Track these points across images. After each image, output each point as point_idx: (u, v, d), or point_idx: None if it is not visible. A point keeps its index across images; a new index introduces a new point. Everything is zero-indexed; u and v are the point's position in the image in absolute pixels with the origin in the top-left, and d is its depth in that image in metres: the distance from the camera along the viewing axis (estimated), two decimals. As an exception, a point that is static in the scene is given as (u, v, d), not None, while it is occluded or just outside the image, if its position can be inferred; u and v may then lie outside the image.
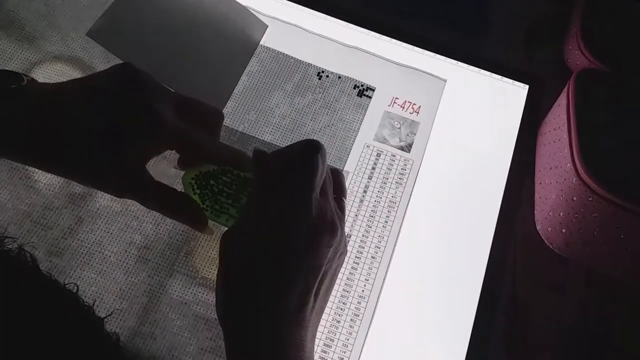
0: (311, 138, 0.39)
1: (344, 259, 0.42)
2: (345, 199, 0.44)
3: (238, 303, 0.36)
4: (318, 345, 0.46)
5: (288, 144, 0.40)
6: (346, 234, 0.50)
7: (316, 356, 0.45)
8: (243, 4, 0.59)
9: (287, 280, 0.36)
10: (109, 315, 0.44)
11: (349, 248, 0.50)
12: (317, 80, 0.57)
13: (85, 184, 0.40)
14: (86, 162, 0.37)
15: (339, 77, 0.57)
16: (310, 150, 0.37)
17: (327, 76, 0.57)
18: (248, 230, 0.37)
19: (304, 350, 0.36)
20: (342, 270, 0.49)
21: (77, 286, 0.36)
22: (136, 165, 0.39)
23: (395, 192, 0.52)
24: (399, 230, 0.51)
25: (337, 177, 0.44)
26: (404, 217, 0.51)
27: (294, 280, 0.36)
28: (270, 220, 0.36)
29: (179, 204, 0.41)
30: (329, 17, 0.61)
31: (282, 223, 0.36)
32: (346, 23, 0.61)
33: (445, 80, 0.58)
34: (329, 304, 0.47)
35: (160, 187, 0.40)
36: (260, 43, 0.58)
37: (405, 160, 0.54)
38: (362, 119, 0.56)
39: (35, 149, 0.36)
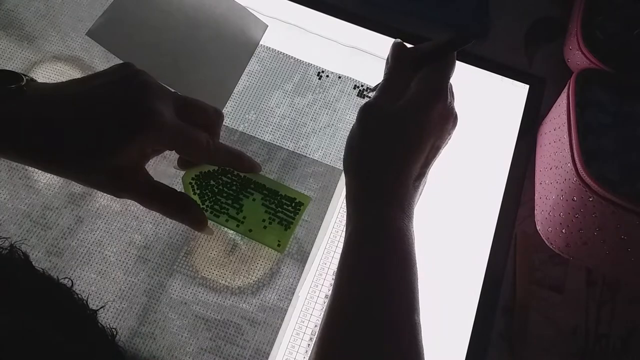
0: (454, 33, 0.48)
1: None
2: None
3: (370, 160, 0.41)
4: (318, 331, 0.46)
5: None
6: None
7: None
8: (243, 3, 0.59)
9: (415, 151, 0.41)
10: (102, 307, 0.44)
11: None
12: (317, 80, 0.57)
13: (85, 184, 0.40)
14: (85, 162, 0.37)
15: (339, 77, 0.57)
16: (449, 47, 0.43)
17: (327, 76, 0.57)
18: (391, 101, 0.43)
19: (412, 213, 0.41)
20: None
21: (72, 281, 0.36)
22: (136, 165, 0.39)
23: (395, 192, 0.52)
24: (399, 230, 0.51)
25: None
26: (404, 217, 0.51)
27: (420, 152, 0.41)
28: (412, 98, 0.42)
29: (179, 204, 0.41)
30: (329, 17, 0.61)
31: (421, 102, 0.42)
32: (346, 23, 0.60)
33: (445, 80, 0.58)
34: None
35: (159, 187, 0.40)
36: (260, 43, 0.58)
37: (405, 160, 0.54)
38: (362, 119, 0.55)
39: (34, 149, 0.36)
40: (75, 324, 0.33)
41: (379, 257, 0.38)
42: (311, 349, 0.46)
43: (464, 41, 0.44)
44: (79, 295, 0.35)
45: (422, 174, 0.42)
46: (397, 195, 0.40)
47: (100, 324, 0.36)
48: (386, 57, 0.47)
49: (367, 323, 0.36)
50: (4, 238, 0.35)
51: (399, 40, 0.47)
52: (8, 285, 0.31)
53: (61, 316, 0.32)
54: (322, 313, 0.47)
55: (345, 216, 0.50)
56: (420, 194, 0.44)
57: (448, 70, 0.43)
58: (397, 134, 0.41)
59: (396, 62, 0.45)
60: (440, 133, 0.43)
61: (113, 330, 0.36)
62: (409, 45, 0.47)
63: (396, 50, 0.46)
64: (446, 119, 0.43)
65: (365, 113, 0.43)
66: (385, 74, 0.46)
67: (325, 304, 0.47)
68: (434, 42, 0.45)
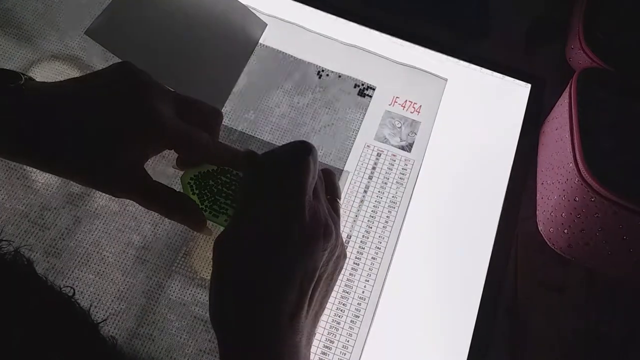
0: (301, 140, 0.38)
1: (343, 262, 0.42)
2: (340, 199, 0.43)
3: (231, 308, 0.35)
4: (318, 347, 0.46)
5: (280, 145, 0.40)
6: (346, 234, 0.50)
7: (316, 357, 0.45)
8: (242, 2, 0.58)
9: (280, 286, 0.35)
10: (104, 320, 0.43)
11: (349, 249, 0.49)
12: (317, 79, 0.57)
13: (83, 184, 0.39)
14: (84, 161, 0.37)
15: (339, 76, 0.57)
16: (300, 152, 0.37)
17: (327, 75, 0.57)
18: (240, 234, 0.36)
19: (298, 357, 0.35)
20: (342, 271, 0.48)
21: (74, 290, 0.35)
22: (134, 165, 0.39)
23: (396, 192, 0.52)
24: (400, 230, 0.50)
25: (329, 178, 0.43)
26: (404, 217, 0.51)
27: (287, 285, 0.35)
28: (262, 224, 0.36)
29: (178, 204, 0.41)
30: (329, 16, 0.60)
31: (275, 227, 0.35)
32: (346, 22, 0.60)
33: (446, 80, 0.58)
34: (328, 305, 0.47)
35: (158, 187, 0.40)
36: (260, 42, 0.58)
37: (406, 160, 0.54)
38: (363, 119, 0.55)
39: (32, 148, 0.36)
40: (76, 334, 0.33)
41: None
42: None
43: (307, 150, 0.37)
44: (81, 305, 0.35)
45: (300, 306, 0.35)
46: (270, 349, 0.34)
47: (102, 335, 0.35)
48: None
49: None
50: (7, 241, 0.34)
51: (248, 150, 0.40)
52: (10, 295, 0.31)
53: (62, 329, 0.32)
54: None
55: (345, 216, 0.50)
56: (318, 320, 0.39)
57: (300, 181, 0.36)
58: (255, 272, 0.35)
59: (249, 178, 0.39)
60: (309, 257, 0.36)
61: (114, 340, 0.36)
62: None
63: (247, 160, 0.40)
64: (311, 239, 0.36)
65: (217, 251, 0.36)
66: (239, 194, 0.40)
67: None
68: (284, 147, 0.38)
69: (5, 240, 0.34)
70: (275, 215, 0.36)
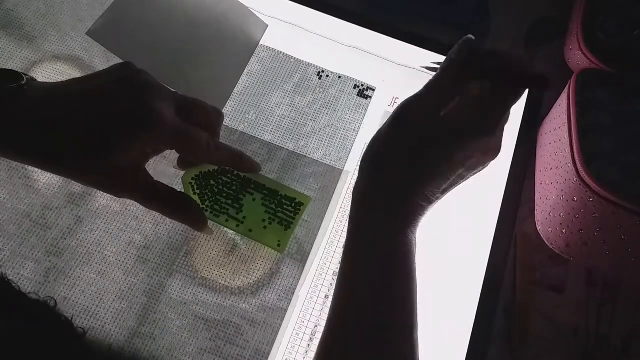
0: (540, 74, 0.40)
1: None
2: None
3: (394, 163, 0.38)
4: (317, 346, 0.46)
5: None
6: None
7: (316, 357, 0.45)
8: (243, 3, 0.59)
9: (443, 176, 0.38)
10: (85, 332, 0.43)
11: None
12: (317, 80, 0.57)
13: (85, 184, 0.40)
14: (86, 161, 0.37)
15: (339, 77, 0.57)
16: (539, 84, 0.39)
17: (327, 76, 0.57)
18: (432, 107, 0.39)
19: (417, 225, 0.39)
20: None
21: (55, 300, 0.36)
22: (136, 165, 0.39)
23: (396, 192, 0.52)
24: (399, 230, 0.51)
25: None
26: (404, 217, 0.51)
27: (446, 178, 0.38)
28: (464, 116, 0.38)
29: (179, 204, 0.41)
30: (329, 17, 0.61)
31: (474, 127, 0.38)
32: (346, 23, 0.60)
33: (445, 80, 0.58)
34: (329, 305, 0.47)
35: (160, 187, 0.40)
36: (260, 43, 0.58)
37: (405, 160, 0.54)
38: (363, 119, 0.55)
39: (34, 148, 0.36)
40: (61, 347, 0.33)
41: (381, 269, 0.37)
42: (311, 349, 0.46)
43: (545, 86, 0.39)
44: (65, 316, 0.35)
45: (438, 198, 0.40)
46: (405, 209, 0.38)
47: (87, 343, 0.35)
48: (448, 54, 0.41)
49: (367, 335, 0.35)
50: (50, 297, 0.35)
51: (470, 37, 0.40)
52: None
53: (46, 340, 0.32)
54: (322, 313, 0.47)
55: (345, 217, 0.51)
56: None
57: (513, 104, 0.39)
58: (430, 149, 0.38)
59: (458, 61, 0.39)
60: (475, 165, 0.39)
61: (108, 345, 0.36)
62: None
63: (465, 48, 0.40)
64: (490, 154, 0.39)
65: (402, 110, 0.39)
66: (440, 70, 0.40)
67: (325, 304, 0.47)
68: (515, 64, 0.39)
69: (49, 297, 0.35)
70: (481, 119, 0.38)
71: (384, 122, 0.41)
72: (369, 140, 0.41)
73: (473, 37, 0.40)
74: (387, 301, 0.36)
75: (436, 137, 0.38)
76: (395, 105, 0.56)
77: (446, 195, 0.41)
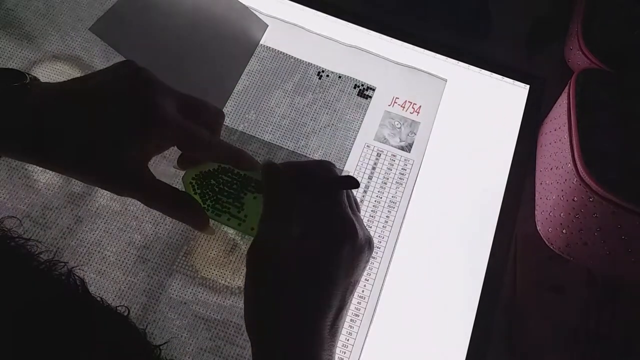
0: (327, 160, 0.39)
1: None
2: (359, 212, 0.43)
3: (273, 317, 0.35)
4: (318, 346, 0.46)
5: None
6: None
7: None
8: (244, 3, 0.59)
9: (328, 296, 0.35)
10: (165, 342, 0.43)
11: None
12: (317, 79, 0.57)
13: (86, 182, 0.40)
14: (88, 159, 0.37)
15: (339, 77, 0.57)
16: (348, 183, 0.38)
17: (327, 76, 0.57)
18: (282, 245, 0.36)
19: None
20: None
21: (129, 309, 0.35)
22: (138, 163, 0.39)
23: (396, 192, 0.52)
24: (399, 230, 0.51)
25: (349, 195, 0.44)
26: (404, 217, 0.51)
27: (335, 296, 0.35)
28: (309, 236, 0.36)
29: (181, 203, 0.41)
30: (329, 17, 0.61)
31: (326, 239, 0.36)
32: (346, 22, 0.60)
33: (445, 80, 0.58)
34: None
35: (161, 185, 0.40)
36: (261, 42, 0.58)
37: (405, 160, 0.54)
38: (363, 119, 0.55)
39: (37, 147, 0.36)
40: (132, 355, 0.33)
41: None
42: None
43: (353, 185, 0.38)
44: (137, 325, 0.35)
45: (340, 316, 0.36)
46: (310, 354, 0.35)
47: (156, 354, 0.35)
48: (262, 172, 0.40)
49: None
50: (62, 262, 0.34)
51: (269, 161, 0.40)
52: (67, 312, 0.31)
53: (120, 350, 0.32)
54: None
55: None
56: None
57: (342, 198, 0.38)
58: (305, 282, 0.35)
59: (273, 190, 0.39)
60: (355, 269, 0.37)
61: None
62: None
63: (270, 174, 0.39)
64: (360, 251, 0.37)
65: (256, 258, 0.37)
66: (264, 204, 0.39)
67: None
68: (307, 169, 0.39)
69: (60, 262, 0.34)
70: (326, 229, 0.36)
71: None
72: (248, 302, 0.37)
73: (270, 161, 0.40)
74: None
75: (306, 269, 0.36)
76: (396, 105, 0.56)
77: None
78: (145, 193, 0.39)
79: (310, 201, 0.37)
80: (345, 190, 0.38)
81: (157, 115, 0.37)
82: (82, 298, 0.34)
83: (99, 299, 0.34)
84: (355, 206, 0.40)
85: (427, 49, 0.60)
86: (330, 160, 0.53)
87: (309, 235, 0.36)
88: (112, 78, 0.38)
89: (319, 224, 0.37)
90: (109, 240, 0.47)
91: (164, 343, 0.42)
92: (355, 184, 0.38)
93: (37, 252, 0.35)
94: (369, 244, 0.38)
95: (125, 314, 0.34)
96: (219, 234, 0.48)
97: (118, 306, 0.34)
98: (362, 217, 0.42)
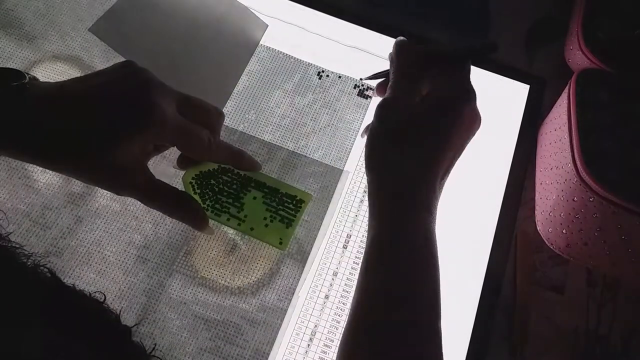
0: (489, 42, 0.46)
1: None
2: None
3: (399, 152, 0.40)
4: (317, 346, 0.46)
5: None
6: (346, 234, 0.50)
7: (316, 356, 0.45)
8: (243, 3, 0.59)
9: (445, 152, 0.40)
10: (136, 324, 0.44)
11: (349, 249, 0.49)
12: (317, 79, 0.57)
13: (87, 182, 0.40)
14: (88, 159, 0.37)
15: (339, 77, 0.57)
16: (482, 50, 0.45)
17: (327, 76, 0.57)
18: (410, 100, 0.42)
19: (435, 213, 0.40)
20: (342, 270, 0.49)
21: (105, 295, 0.36)
22: (138, 162, 0.39)
23: (396, 192, 0.52)
24: (399, 230, 0.51)
25: None
26: (404, 217, 0.51)
27: (449, 153, 0.41)
28: (438, 94, 0.42)
29: (180, 203, 0.41)
30: (329, 17, 0.61)
31: (452, 102, 0.41)
32: (346, 22, 0.60)
33: (445, 80, 0.58)
34: (328, 304, 0.47)
35: (161, 185, 0.40)
36: (260, 43, 0.58)
37: (405, 160, 0.54)
38: (363, 119, 0.55)
39: (37, 146, 0.36)
40: (108, 340, 0.33)
41: (406, 261, 0.38)
42: (311, 349, 0.46)
43: (491, 49, 0.44)
44: (111, 309, 0.35)
45: (446, 173, 0.42)
46: (424, 197, 0.39)
47: (136, 340, 0.35)
48: (388, 55, 0.46)
49: (392, 327, 0.35)
50: (28, 254, 0.35)
51: (402, 38, 0.46)
52: (38, 301, 0.31)
53: (94, 333, 0.32)
54: (322, 313, 0.47)
55: (345, 217, 0.51)
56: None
57: (469, 72, 0.43)
58: (426, 134, 0.40)
59: (403, 60, 0.44)
60: (467, 134, 0.42)
61: (152, 345, 0.36)
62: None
63: (402, 48, 0.45)
64: (474, 120, 0.42)
65: (385, 110, 0.42)
66: (393, 73, 0.44)
67: (325, 304, 0.47)
68: (448, 47, 0.45)
69: (25, 254, 0.34)
70: (453, 94, 0.42)
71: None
72: (366, 141, 0.43)
73: (404, 38, 0.46)
74: (415, 292, 0.37)
75: (428, 122, 0.41)
76: (396, 105, 0.56)
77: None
78: (145, 193, 0.39)
79: (439, 70, 0.43)
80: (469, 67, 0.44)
81: (156, 116, 0.37)
82: (53, 284, 0.34)
83: (71, 285, 0.34)
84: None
85: (427, 49, 0.60)
86: (330, 160, 0.53)
87: (434, 93, 0.42)
88: (112, 78, 0.38)
89: (445, 84, 0.42)
90: (108, 240, 0.47)
91: (136, 325, 0.44)
92: (491, 47, 0.45)
93: (10, 245, 0.35)
94: (479, 117, 0.42)
95: (102, 300, 0.35)
96: (219, 234, 0.48)
97: (94, 292, 0.35)
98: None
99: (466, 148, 0.43)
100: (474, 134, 0.43)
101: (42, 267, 0.34)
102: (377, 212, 0.40)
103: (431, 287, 0.37)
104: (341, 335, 0.37)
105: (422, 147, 0.40)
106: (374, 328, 0.36)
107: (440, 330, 0.36)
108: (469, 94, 0.42)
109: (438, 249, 0.39)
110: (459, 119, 0.41)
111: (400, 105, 0.42)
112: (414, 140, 0.40)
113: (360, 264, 0.49)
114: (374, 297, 0.37)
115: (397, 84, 0.44)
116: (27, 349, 0.27)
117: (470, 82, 0.43)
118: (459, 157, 0.43)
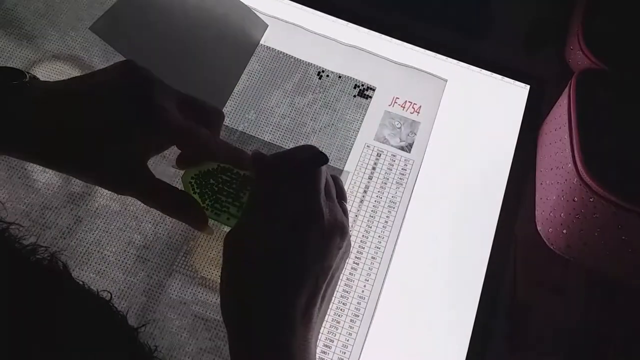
0: (309, 145, 0.40)
1: (346, 260, 0.42)
2: (346, 202, 0.44)
3: (244, 303, 0.36)
4: (318, 346, 0.46)
5: (286, 148, 0.40)
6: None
7: (316, 357, 0.45)
8: (244, 3, 0.59)
9: (297, 281, 0.36)
10: (143, 325, 0.43)
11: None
12: (317, 79, 0.57)
13: (86, 181, 0.40)
14: (88, 158, 0.37)
15: (339, 77, 0.57)
16: (314, 156, 0.39)
17: (328, 76, 0.57)
18: (255, 231, 0.37)
19: (308, 352, 0.36)
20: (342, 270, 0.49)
21: (111, 294, 0.35)
22: (138, 162, 0.39)
23: (396, 193, 0.52)
24: (399, 230, 0.51)
25: (337, 182, 0.44)
26: (404, 217, 0.51)
27: (303, 281, 0.36)
28: (279, 222, 0.37)
29: (180, 202, 0.41)
30: (329, 17, 0.61)
31: (294, 224, 0.36)
32: (346, 22, 0.60)
33: (446, 80, 0.58)
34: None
35: (161, 184, 0.40)
36: (261, 42, 0.58)
37: (405, 160, 0.54)
38: (363, 119, 0.55)
39: (36, 146, 0.36)
40: (114, 338, 0.33)
41: None
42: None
43: (322, 161, 0.38)
44: (117, 309, 0.35)
45: (314, 303, 0.36)
46: (282, 343, 0.35)
47: (140, 341, 0.35)
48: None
49: None
50: (44, 247, 0.34)
51: (257, 151, 0.41)
52: (50, 298, 0.31)
53: (101, 333, 0.32)
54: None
55: (345, 216, 0.50)
56: (325, 317, 0.40)
57: (316, 184, 0.38)
58: (273, 267, 0.36)
59: (259, 178, 0.40)
60: (326, 254, 0.37)
61: (154, 346, 0.36)
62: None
63: (256, 161, 0.40)
64: (330, 236, 0.37)
65: (229, 246, 0.37)
66: (250, 192, 0.41)
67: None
68: (296, 153, 0.40)
69: (42, 246, 0.34)
70: (294, 213, 0.37)
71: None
72: (223, 292, 0.37)
73: (257, 150, 0.41)
74: None
75: (274, 253, 0.36)
76: (396, 105, 0.56)
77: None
78: (144, 192, 0.39)
79: (288, 188, 0.38)
80: (323, 177, 0.39)
81: (156, 115, 0.37)
82: (64, 281, 0.34)
83: (81, 283, 0.34)
84: (333, 192, 0.41)
85: (427, 49, 0.60)
86: (330, 160, 0.53)
87: (280, 221, 0.37)
88: (112, 77, 0.38)
89: (287, 210, 0.37)
90: (108, 240, 0.47)
91: (142, 326, 0.43)
92: (319, 160, 0.38)
93: (19, 237, 0.35)
94: (341, 231, 0.38)
95: (108, 298, 0.34)
96: (219, 233, 0.48)
97: (101, 291, 0.34)
98: (345, 206, 0.42)
99: (343, 263, 0.40)
100: (338, 248, 0.38)
101: (57, 260, 0.34)
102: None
103: None
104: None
105: (272, 284, 0.35)
106: None
107: None
108: (310, 212, 0.37)
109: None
110: (303, 242, 0.36)
111: (249, 234, 0.37)
112: (264, 277, 0.36)
113: (360, 264, 0.49)
114: None
115: (247, 209, 0.39)
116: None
117: (314, 197, 0.37)
118: (325, 280, 0.37)
